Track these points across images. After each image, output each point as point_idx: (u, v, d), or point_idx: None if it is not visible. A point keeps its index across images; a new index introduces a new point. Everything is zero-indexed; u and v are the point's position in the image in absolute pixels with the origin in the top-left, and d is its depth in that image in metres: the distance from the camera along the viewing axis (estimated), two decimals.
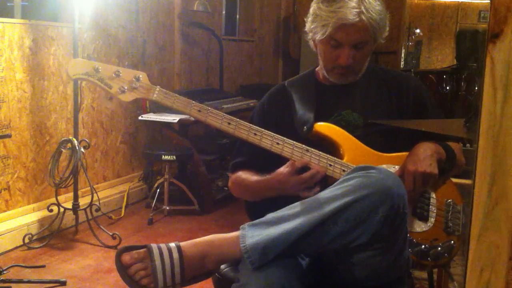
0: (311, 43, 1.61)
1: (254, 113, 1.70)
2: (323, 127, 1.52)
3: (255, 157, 1.58)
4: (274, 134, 1.44)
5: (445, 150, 1.51)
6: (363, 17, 1.45)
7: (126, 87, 1.41)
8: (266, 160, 1.50)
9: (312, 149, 1.44)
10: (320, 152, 1.44)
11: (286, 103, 1.63)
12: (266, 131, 1.45)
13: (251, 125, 1.45)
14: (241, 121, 1.44)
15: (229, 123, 1.43)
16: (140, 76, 1.42)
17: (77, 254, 2.91)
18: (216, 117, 1.43)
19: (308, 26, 1.56)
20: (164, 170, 3.66)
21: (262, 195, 1.52)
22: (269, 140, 1.44)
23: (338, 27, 1.46)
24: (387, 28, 1.56)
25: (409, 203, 1.30)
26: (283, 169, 1.44)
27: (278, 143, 1.44)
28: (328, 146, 1.51)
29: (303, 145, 1.44)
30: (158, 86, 1.43)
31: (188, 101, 1.43)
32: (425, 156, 1.45)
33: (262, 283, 1.18)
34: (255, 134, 1.44)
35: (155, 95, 1.42)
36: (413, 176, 1.42)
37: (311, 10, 1.54)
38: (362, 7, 1.46)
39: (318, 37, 1.52)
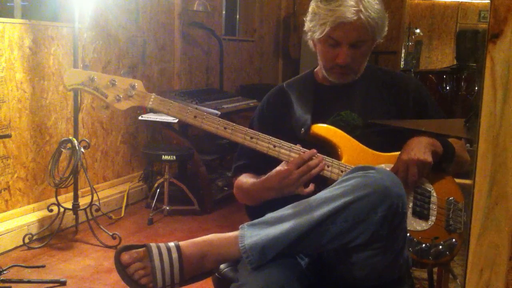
0: (310, 42, 1.61)
1: (254, 115, 1.70)
2: (320, 128, 1.52)
3: (257, 159, 1.57)
4: (271, 137, 1.44)
5: (443, 144, 1.51)
6: (362, 16, 1.45)
7: (121, 96, 1.43)
8: (268, 162, 1.50)
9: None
10: (318, 154, 1.44)
11: (285, 105, 1.63)
12: (263, 134, 1.44)
13: (247, 129, 1.45)
14: (237, 125, 1.44)
15: (225, 128, 1.43)
16: (136, 84, 1.44)
17: (77, 254, 2.91)
18: (212, 123, 1.43)
19: (307, 25, 1.56)
20: (164, 170, 3.66)
21: (260, 197, 1.51)
22: (265, 143, 1.44)
23: (336, 25, 1.46)
24: (386, 28, 1.56)
25: (406, 193, 1.29)
26: (282, 166, 1.43)
27: (275, 146, 1.44)
28: (326, 147, 1.51)
29: (301, 148, 1.44)
30: (153, 94, 1.44)
31: (183, 108, 1.43)
32: (419, 146, 1.45)
33: (261, 283, 1.18)
34: (251, 138, 1.44)
35: (150, 103, 1.43)
36: (406, 164, 1.42)
37: (310, 9, 1.54)
38: (361, 6, 1.46)
39: (317, 36, 1.52)
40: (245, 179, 1.59)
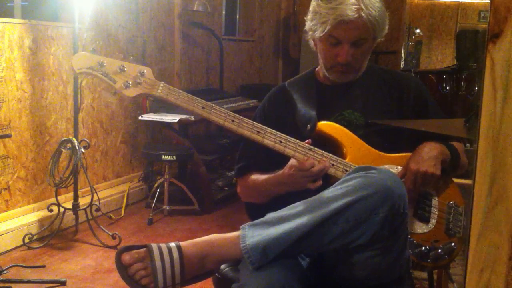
0: (311, 42, 1.61)
1: (255, 115, 1.70)
2: (326, 126, 1.52)
3: (259, 160, 1.57)
4: (277, 132, 1.44)
5: (450, 151, 1.51)
6: (362, 14, 1.46)
7: (130, 82, 1.40)
8: (270, 163, 1.50)
9: (315, 148, 1.44)
10: (323, 151, 1.44)
11: (287, 104, 1.63)
12: (269, 129, 1.44)
13: (254, 122, 1.44)
14: (245, 118, 1.44)
15: (232, 120, 1.42)
16: (145, 71, 1.42)
17: (77, 254, 2.91)
18: (220, 114, 1.42)
19: (307, 24, 1.56)
20: (164, 170, 3.66)
21: (271, 192, 1.52)
22: (272, 138, 1.43)
23: (337, 23, 1.46)
24: (387, 26, 1.56)
25: (409, 202, 1.30)
26: (291, 162, 1.44)
27: (281, 141, 1.43)
28: (331, 145, 1.51)
29: (306, 144, 1.44)
30: (162, 82, 1.42)
31: (192, 98, 1.42)
32: (430, 157, 1.45)
33: (262, 283, 1.18)
34: (258, 132, 1.43)
35: (159, 91, 1.41)
36: (415, 175, 1.43)
37: (310, 8, 1.54)
38: (361, 4, 1.46)
39: (317, 34, 1.51)
40: (256, 176, 1.60)
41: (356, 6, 1.45)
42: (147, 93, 1.42)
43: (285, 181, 1.45)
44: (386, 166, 1.46)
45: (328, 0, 1.48)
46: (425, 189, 1.47)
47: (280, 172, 1.48)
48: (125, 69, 1.40)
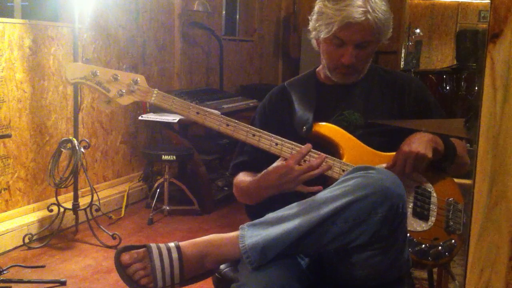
0: (313, 42, 1.61)
1: (255, 114, 1.70)
2: (322, 127, 1.52)
3: (256, 157, 1.57)
4: (273, 135, 1.44)
5: (444, 143, 1.51)
6: (369, 16, 1.45)
7: (124, 91, 1.42)
8: (268, 159, 1.50)
9: (312, 149, 1.44)
10: (320, 152, 1.44)
11: (286, 104, 1.63)
12: (265, 132, 1.44)
13: (249, 126, 1.45)
14: (240, 122, 1.44)
15: (227, 125, 1.43)
16: (138, 79, 1.43)
17: (77, 254, 2.91)
18: (215, 119, 1.43)
19: (312, 24, 1.55)
20: (164, 170, 3.66)
21: (258, 196, 1.49)
22: (267, 141, 1.44)
23: (343, 25, 1.46)
24: (391, 29, 1.55)
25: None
26: (280, 163, 1.42)
27: (277, 144, 1.43)
28: (328, 146, 1.51)
29: (302, 146, 1.44)
30: (156, 89, 1.43)
31: (186, 104, 1.43)
32: (420, 141, 1.45)
33: (262, 283, 1.18)
34: (253, 135, 1.44)
35: (153, 98, 1.42)
36: (406, 156, 1.42)
37: (316, 8, 1.54)
38: (368, 6, 1.45)
39: (322, 35, 1.51)
40: (243, 177, 1.59)
41: (363, 9, 1.45)
42: (141, 100, 1.43)
43: (273, 183, 1.41)
44: (383, 165, 1.45)
45: (335, 1, 1.47)
46: (415, 171, 1.45)
47: (261, 175, 1.44)
48: (119, 78, 1.42)
